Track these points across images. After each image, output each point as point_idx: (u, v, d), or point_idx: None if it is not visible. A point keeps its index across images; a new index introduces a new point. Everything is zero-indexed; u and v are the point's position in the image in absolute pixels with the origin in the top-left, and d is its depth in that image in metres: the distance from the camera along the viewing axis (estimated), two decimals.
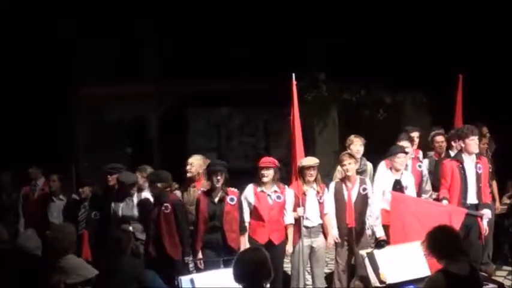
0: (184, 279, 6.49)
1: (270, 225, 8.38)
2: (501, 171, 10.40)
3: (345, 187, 8.65)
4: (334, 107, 15.32)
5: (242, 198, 8.41)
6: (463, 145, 8.71)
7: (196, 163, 8.96)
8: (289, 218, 8.45)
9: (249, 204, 8.40)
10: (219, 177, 8.15)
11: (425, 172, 9.57)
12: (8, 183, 11.20)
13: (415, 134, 9.92)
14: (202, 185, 8.76)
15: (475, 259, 8.69)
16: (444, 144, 9.95)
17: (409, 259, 6.98)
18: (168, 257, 8.24)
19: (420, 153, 9.99)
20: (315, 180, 8.49)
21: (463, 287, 5.48)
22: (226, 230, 8.16)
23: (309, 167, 8.41)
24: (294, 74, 8.76)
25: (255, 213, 8.39)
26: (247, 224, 8.38)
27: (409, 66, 14.10)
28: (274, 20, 15.15)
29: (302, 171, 8.46)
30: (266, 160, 8.47)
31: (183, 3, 15.42)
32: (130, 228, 8.77)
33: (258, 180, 8.42)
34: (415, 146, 9.89)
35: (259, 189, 8.40)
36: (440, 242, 5.61)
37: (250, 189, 8.45)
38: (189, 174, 8.95)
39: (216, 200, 8.21)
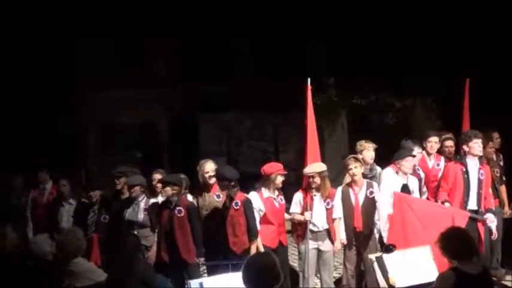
0: (194, 283, 6.52)
1: (280, 228, 8.45)
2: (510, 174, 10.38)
3: (352, 191, 8.64)
4: (343, 111, 15.33)
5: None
6: (467, 149, 8.76)
7: (211, 168, 8.88)
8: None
9: (259, 211, 8.38)
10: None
11: (422, 175, 9.54)
12: (19, 187, 11.22)
13: (434, 139, 9.88)
14: (218, 190, 8.76)
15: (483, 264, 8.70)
16: (453, 149, 9.92)
17: (418, 263, 6.98)
18: (182, 260, 8.27)
19: (442, 160, 9.92)
20: (320, 186, 8.46)
21: (473, 286, 5.52)
22: (229, 234, 8.22)
23: (311, 175, 8.41)
24: (309, 79, 8.77)
25: (265, 219, 8.40)
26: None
27: (418, 71, 14.12)
28: (284, 24, 15.18)
29: (306, 178, 8.48)
30: (282, 167, 8.53)
31: (191, 8, 15.46)
32: (135, 233, 8.79)
33: (267, 185, 8.44)
34: (434, 151, 9.88)
35: (265, 195, 8.43)
36: (454, 242, 5.67)
37: (256, 197, 8.44)
38: (211, 182, 8.85)
39: (220, 205, 8.37)
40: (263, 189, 8.45)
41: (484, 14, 12.85)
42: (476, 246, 5.84)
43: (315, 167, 8.47)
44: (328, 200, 8.51)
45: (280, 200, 8.49)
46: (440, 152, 9.99)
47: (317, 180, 8.39)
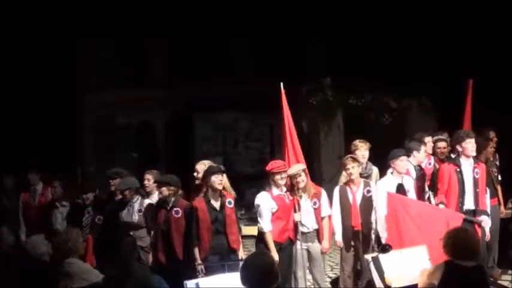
0: (190, 283, 6.51)
1: (290, 224, 8.43)
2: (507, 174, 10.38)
3: (350, 190, 8.63)
4: (339, 111, 15.33)
5: (261, 206, 8.35)
6: (460, 149, 8.75)
7: (202, 169, 8.77)
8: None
9: (272, 209, 8.34)
10: (221, 179, 8.14)
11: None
12: (11, 188, 11.19)
13: (428, 139, 9.89)
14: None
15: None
16: (446, 150, 9.90)
17: (414, 263, 6.97)
18: (177, 261, 8.25)
19: (432, 158, 9.93)
20: (306, 186, 8.45)
21: (466, 279, 5.54)
22: (229, 233, 8.19)
23: (295, 175, 8.39)
24: (282, 83, 8.81)
25: (276, 216, 8.36)
26: (269, 231, 8.30)
27: (414, 71, 14.13)
28: (281, 24, 15.18)
29: (291, 180, 8.46)
30: (279, 164, 8.48)
31: (188, 7, 15.46)
32: (131, 234, 8.77)
33: (271, 184, 8.40)
34: (430, 151, 9.88)
35: (275, 192, 8.40)
36: (457, 243, 5.69)
37: (267, 196, 8.39)
38: (198, 182, 8.83)
39: (218, 205, 8.20)
40: (272, 187, 8.42)
41: (484, 14, 12.84)
42: (479, 249, 5.84)
43: (297, 166, 8.51)
44: (315, 200, 8.51)
45: (289, 197, 8.46)
46: (432, 153, 10.00)
47: (304, 177, 8.40)
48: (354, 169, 8.56)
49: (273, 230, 8.32)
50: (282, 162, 8.60)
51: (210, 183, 8.18)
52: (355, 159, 8.65)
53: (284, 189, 8.47)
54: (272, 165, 8.46)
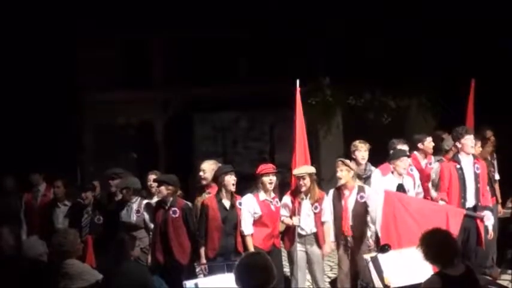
0: (189, 283, 6.52)
1: (274, 231, 8.40)
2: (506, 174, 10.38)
3: (342, 194, 8.54)
4: (338, 111, 15.34)
5: (244, 209, 8.26)
6: (459, 146, 8.75)
7: (208, 168, 8.74)
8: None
9: (254, 214, 8.27)
10: (234, 178, 8.16)
11: (434, 176, 9.53)
12: (11, 188, 11.17)
13: (431, 139, 9.90)
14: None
15: (480, 263, 8.70)
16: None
17: (413, 263, 6.94)
18: (176, 262, 8.23)
19: (432, 159, 9.92)
20: (309, 189, 8.35)
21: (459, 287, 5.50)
22: (237, 235, 8.18)
23: (299, 177, 8.32)
24: (298, 80, 8.77)
25: (260, 222, 8.30)
26: (249, 234, 8.26)
27: (414, 71, 14.13)
28: (281, 24, 15.19)
29: (295, 180, 8.41)
30: (269, 166, 8.44)
31: (188, 7, 15.47)
32: (131, 234, 8.76)
33: (259, 188, 8.33)
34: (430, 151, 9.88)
35: (261, 197, 8.32)
36: (433, 246, 5.61)
37: (252, 200, 8.31)
38: (204, 182, 8.76)
39: (228, 205, 8.20)
40: (260, 191, 8.35)
41: (483, 14, 12.84)
42: (457, 248, 5.75)
43: (304, 168, 8.42)
44: (316, 204, 8.40)
45: (276, 203, 8.40)
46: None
47: (307, 182, 8.29)
48: (342, 173, 8.46)
49: (257, 237, 8.25)
50: (272, 165, 8.57)
51: (224, 183, 8.19)
52: (344, 163, 8.54)
53: (272, 194, 8.40)
54: (261, 167, 8.41)
